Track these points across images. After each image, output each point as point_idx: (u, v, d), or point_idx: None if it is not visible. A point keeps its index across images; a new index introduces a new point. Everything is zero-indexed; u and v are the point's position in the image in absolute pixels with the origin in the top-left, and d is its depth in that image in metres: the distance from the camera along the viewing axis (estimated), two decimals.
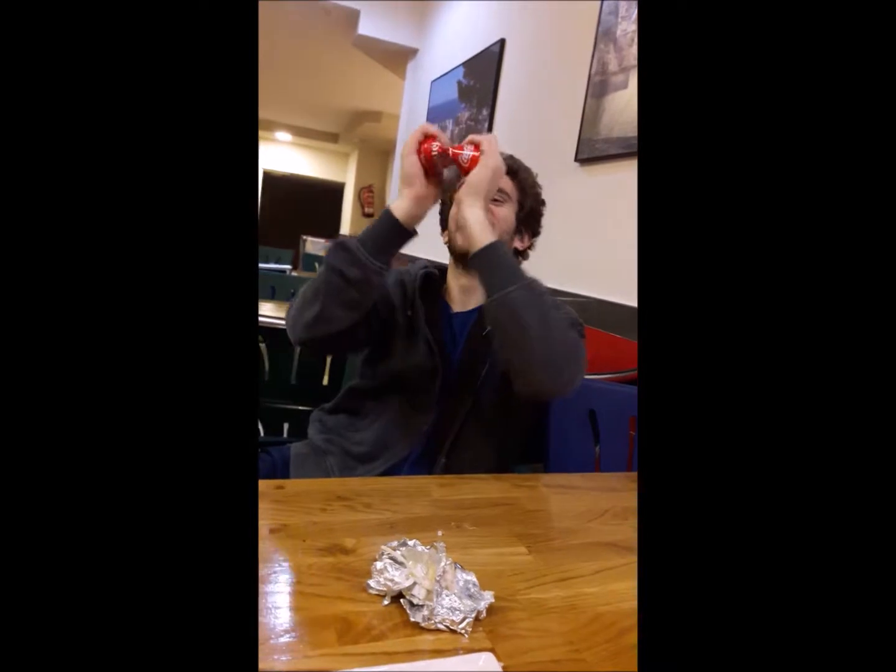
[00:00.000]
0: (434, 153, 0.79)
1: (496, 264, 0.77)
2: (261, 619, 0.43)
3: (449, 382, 0.89)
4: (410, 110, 3.89)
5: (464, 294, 0.95)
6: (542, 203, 0.99)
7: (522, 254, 1.01)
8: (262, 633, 0.41)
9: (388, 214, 0.81)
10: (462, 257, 0.91)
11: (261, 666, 0.38)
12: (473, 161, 0.79)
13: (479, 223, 0.78)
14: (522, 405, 0.91)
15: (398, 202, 0.81)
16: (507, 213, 0.93)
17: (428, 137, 0.80)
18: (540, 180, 0.99)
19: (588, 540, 0.63)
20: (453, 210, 0.89)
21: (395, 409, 0.90)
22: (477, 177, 0.78)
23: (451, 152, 0.79)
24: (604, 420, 1.11)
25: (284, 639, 0.41)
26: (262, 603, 0.45)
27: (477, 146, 0.80)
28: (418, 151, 0.80)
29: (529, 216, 0.95)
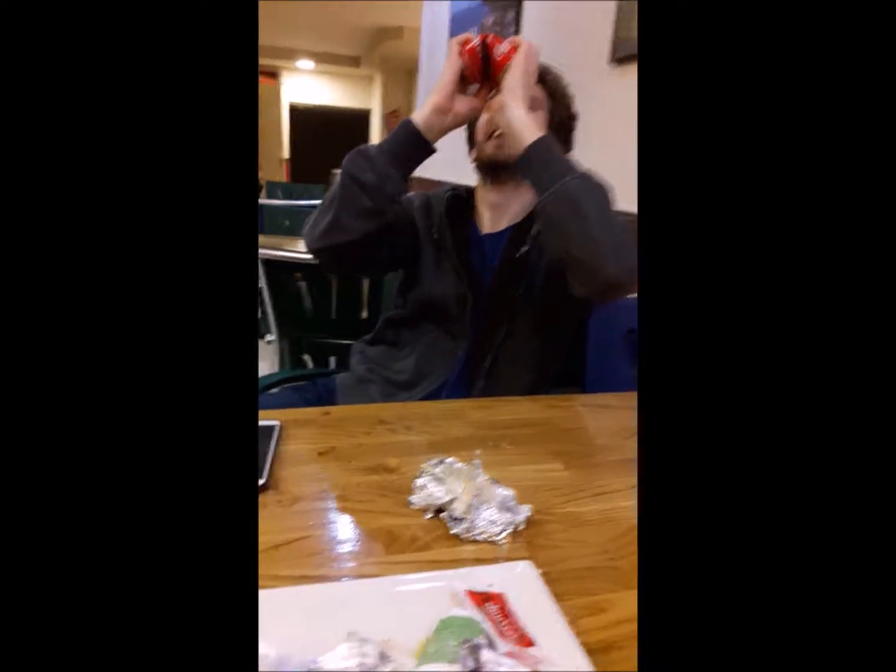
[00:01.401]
0: (477, 44, 0.78)
1: (548, 159, 0.75)
2: (315, 532, 0.46)
3: (481, 306, 0.89)
4: (432, 20, 3.64)
5: (494, 213, 0.93)
6: (574, 117, 0.93)
7: None
8: (316, 545, 0.45)
9: (407, 123, 0.80)
10: (493, 170, 0.89)
11: (318, 572, 0.42)
12: (506, 57, 0.77)
13: (524, 121, 0.75)
14: (560, 326, 0.91)
15: (419, 112, 0.80)
16: (537, 121, 0.86)
17: (467, 41, 0.79)
18: (573, 86, 0.92)
19: (624, 456, 0.64)
20: (483, 118, 0.87)
21: (429, 337, 0.91)
22: (514, 78, 0.76)
23: (489, 40, 0.78)
24: None
25: (338, 549, 0.45)
26: (316, 519, 0.48)
27: (515, 46, 0.77)
28: (460, 52, 0.79)
29: (560, 128, 0.90)
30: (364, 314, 1.58)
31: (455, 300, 0.89)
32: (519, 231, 0.91)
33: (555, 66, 0.91)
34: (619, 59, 1.81)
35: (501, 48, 0.78)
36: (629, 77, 1.80)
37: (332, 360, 1.61)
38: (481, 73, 0.80)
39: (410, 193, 0.96)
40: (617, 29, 1.80)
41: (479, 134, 0.89)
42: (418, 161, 0.82)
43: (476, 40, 0.78)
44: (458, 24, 3.07)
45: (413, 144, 0.80)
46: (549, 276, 0.87)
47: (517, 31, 2.43)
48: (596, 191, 0.74)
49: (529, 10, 2.41)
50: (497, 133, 0.86)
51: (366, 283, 1.59)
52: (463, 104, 0.80)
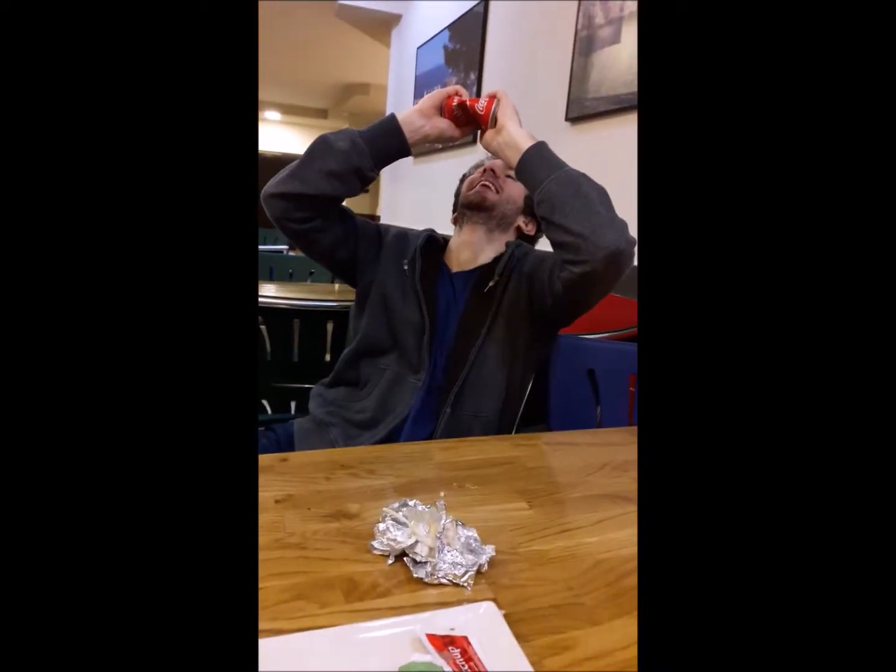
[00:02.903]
0: (454, 105, 0.88)
1: (547, 155, 0.83)
2: (268, 583, 0.44)
3: (444, 339, 0.92)
4: (398, 79, 3.81)
5: (468, 252, 0.99)
6: None
7: (530, 238, 1.03)
8: (270, 597, 0.43)
9: (390, 116, 0.88)
10: (475, 211, 0.98)
11: (270, 625, 0.40)
12: (489, 103, 0.87)
13: (521, 134, 0.84)
14: (524, 357, 0.93)
15: (403, 111, 0.88)
16: (516, 190, 0.99)
17: (449, 97, 0.88)
18: None
19: (588, 493, 0.64)
20: (473, 177, 1.00)
21: (390, 373, 0.92)
22: (506, 110, 0.86)
23: (468, 102, 0.88)
24: (604, 379, 1.12)
25: (292, 601, 0.43)
26: (269, 568, 0.46)
27: (491, 97, 0.87)
28: (441, 111, 0.89)
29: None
30: (327, 357, 1.56)
31: (415, 329, 0.92)
32: (488, 269, 0.96)
33: None
34: (572, 118, 1.92)
35: (481, 104, 0.87)
36: (584, 133, 1.91)
37: (293, 405, 1.57)
38: (463, 124, 0.90)
39: (392, 227, 1.03)
40: (570, 91, 1.91)
41: (466, 185, 1.01)
42: (391, 154, 0.88)
43: (454, 102, 0.88)
44: (422, 84, 3.21)
45: (390, 134, 0.87)
46: (513, 310, 0.92)
47: (478, 91, 2.56)
48: (594, 183, 0.81)
49: (490, 73, 2.55)
50: (481, 183, 0.97)
51: (330, 326, 1.58)
52: (442, 122, 0.89)
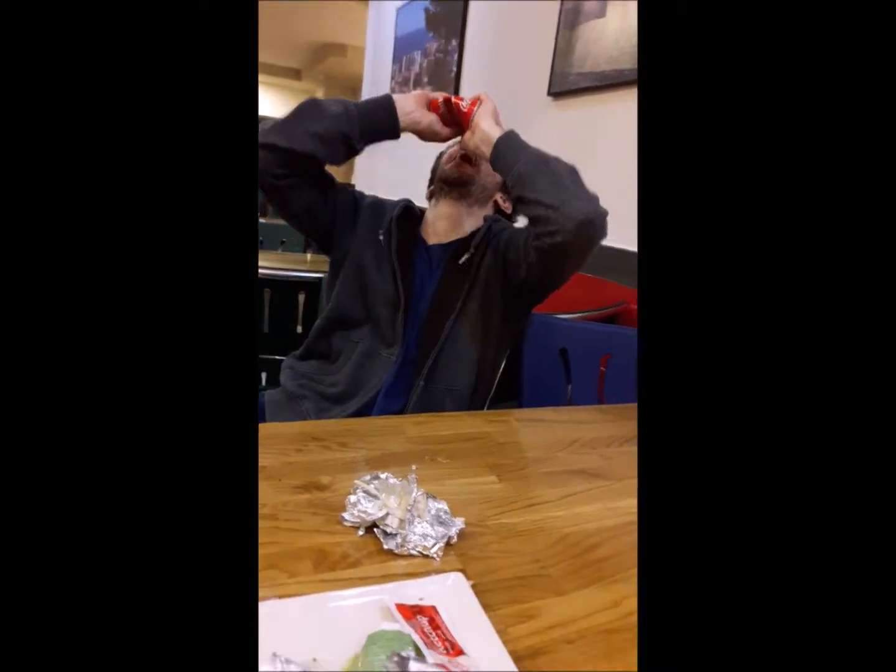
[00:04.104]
0: (440, 101, 0.91)
1: (516, 140, 0.87)
2: None
3: (417, 311, 0.92)
4: (376, 42, 3.69)
5: (446, 224, 0.99)
6: None
7: (507, 216, 1.03)
8: None
9: (385, 95, 0.91)
10: (453, 187, 0.98)
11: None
12: (472, 104, 0.90)
13: (495, 128, 0.88)
14: (497, 333, 0.94)
15: (397, 95, 0.91)
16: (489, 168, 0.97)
17: (433, 100, 0.92)
18: (513, 116, 0.99)
19: (556, 468, 0.66)
20: (451, 150, 1.01)
21: (363, 345, 0.92)
22: (486, 107, 0.90)
23: (453, 100, 0.91)
24: (575, 358, 1.14)
25: (263, 570, 0.43)
26: None
27: (475, 99, 0.91)
28: (427, 107, 0.92)
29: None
30: (299, 329, 1.55)
31: (389, 302, 0.91)
32: (464, 243, 0.96)
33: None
34: (555, 93, 1.90)
35: (465, 102, 0.90)
36: (566, 109, 1.89)
37: (263, 377, 1.56)
38: (448, 123, 0.92)
39: (367, 195, 1.03)
40: (554, 64, 1.89)
41: (445, 159, 1.01)
42: (380, 131, 0.90)
43: (439, 99, 0.91)
44: (401, 47, 3.13)
45: (384, 111, 0.88)
46: (488, 285, 0.92)
47: (460, 60, 2.50)
48: (563, 162, 0.84)
49: (472, 41, 2.49)
50: (460, 155, 0.97)
51: (301, 297, 1.56)
52: (431, 115, 0.91)
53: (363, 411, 0.88)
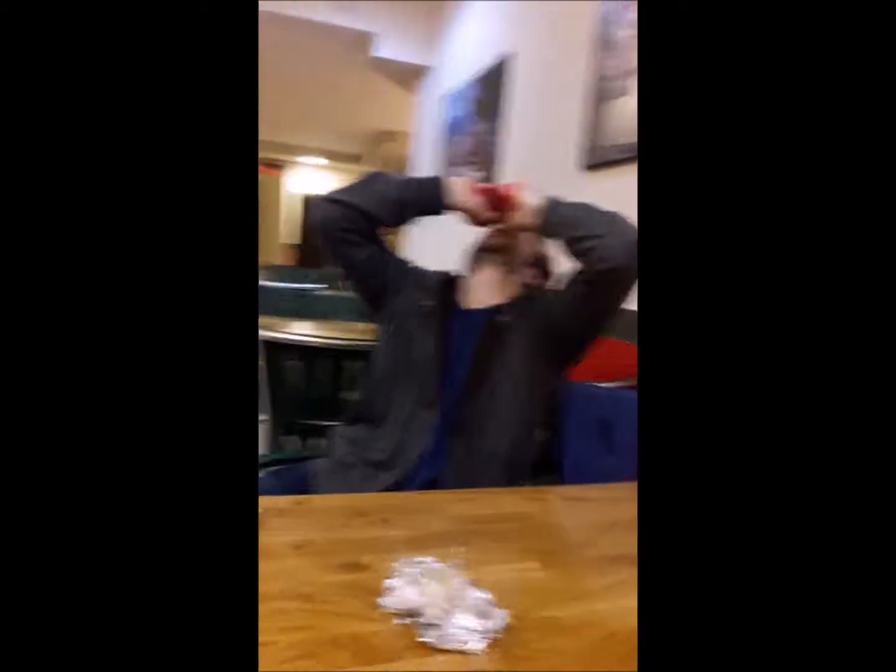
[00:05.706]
0: (483, 189, 0.98)
1: (562, 201, 0.94)
2: (274, 637, 0.44)
3: (457, 373, 0.94)
4: (422, 127, 3.93)
5: (485, 290, 1.02)
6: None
7: (534, 288, 1.05)
8: (275, 654, 0.42)
9: (435, 176, 1.01)
10: (495, 252, 1.03)
11: None
12: (509, 189, 0.96)
13: (539, 199, 0.93)
14: (537, 399, 0.95)
15: (447, 178, 0.99)
16: (529, 237, 1.03)
17: (479, 186, 0.98)
18: (548, 188, 1.02)
19: (601, 553, 0.63)
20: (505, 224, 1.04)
21: (405, 406, 0.93)
22: (525, 187, 0.96)
23: (495, 186, 0.98)
24: (619, 428, 1.11)
25: (297, 659, 0.42)
26: (278, 622, 0.46)
27: (516, 184, 0.97)
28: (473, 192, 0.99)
29: (543, 258, 1.08)
30: (346, 396, 1.58)
31: (429, 364, 0.94)
32: (503, 306, 0.99)
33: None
34: (588, 166, 1.96)
35: (507, 188, 0.96)
36: (600, 181, 1.94)
37: (322, 443, 1.58)
38: (491, 209, 0.99)
39: (410, 262, 1.09)
40: (587, 137, 1.96)
41: (496, 238, 1.06)
42: (428, 205, 0.97)
43: (484, 185, 0.99)
44: (451, 130, 3.32)
45: (433, 188, 0.97)
46: (527, 345, 0.94)
47: (500, 139, 2.63)
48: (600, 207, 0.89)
49: (511, 121, 2.63)
50: (500, 227, 1.03)
51: (349, 364, 1.60)
52: (477, 199, 0.98)
53: (407, 477, 0.88)
